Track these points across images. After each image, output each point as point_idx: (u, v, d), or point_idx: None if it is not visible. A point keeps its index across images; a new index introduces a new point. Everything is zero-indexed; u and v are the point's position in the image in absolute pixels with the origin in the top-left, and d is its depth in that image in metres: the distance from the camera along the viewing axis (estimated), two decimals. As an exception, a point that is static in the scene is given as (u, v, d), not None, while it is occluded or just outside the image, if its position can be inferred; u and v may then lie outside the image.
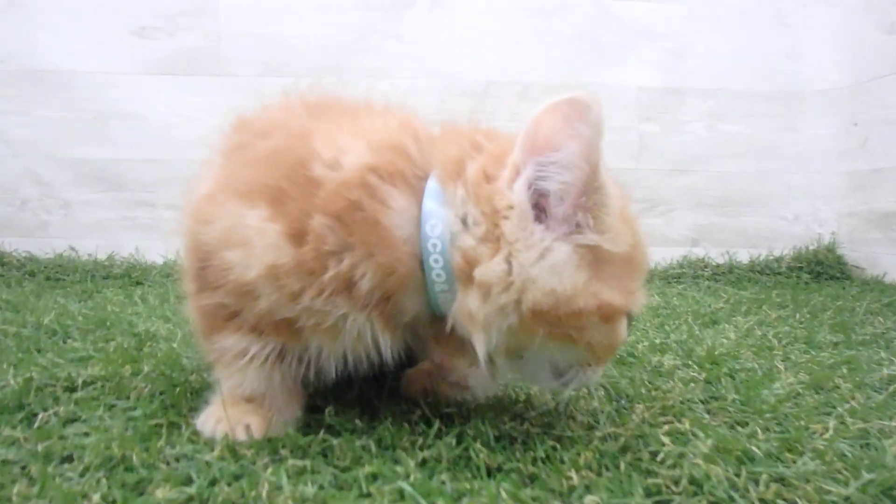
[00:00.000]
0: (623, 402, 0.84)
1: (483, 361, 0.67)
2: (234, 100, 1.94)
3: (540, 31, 2.09)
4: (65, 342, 1.07)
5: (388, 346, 0.68)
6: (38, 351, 0.99)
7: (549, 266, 0.62)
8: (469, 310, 0.63)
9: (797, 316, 1.42)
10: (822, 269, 2.07)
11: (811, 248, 2.16)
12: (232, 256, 0.64)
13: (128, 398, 0.77)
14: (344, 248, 0.63)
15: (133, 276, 1.82)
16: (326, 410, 0.72)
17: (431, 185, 0.65)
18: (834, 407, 0.81)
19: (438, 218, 0.64)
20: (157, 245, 1.98)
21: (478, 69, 2.08)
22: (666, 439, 0.69)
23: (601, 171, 0.62)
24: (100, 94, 1.96)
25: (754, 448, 0.66)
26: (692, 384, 0.91)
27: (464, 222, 0.63)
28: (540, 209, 0.63)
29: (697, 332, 1.25)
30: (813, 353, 1.11)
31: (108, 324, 1.18)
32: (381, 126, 0.71)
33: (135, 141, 1.98)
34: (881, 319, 1.41)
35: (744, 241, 2.20)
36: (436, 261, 0.64)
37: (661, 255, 2.16)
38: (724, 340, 1.17)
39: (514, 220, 0.62)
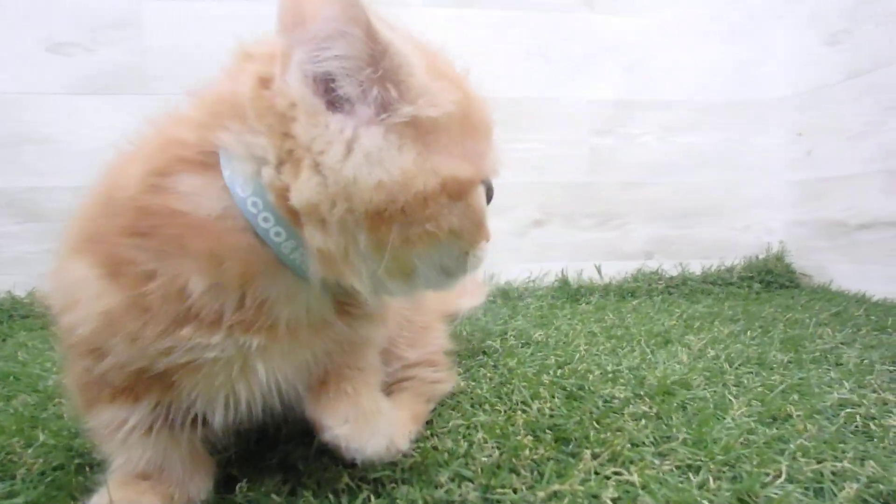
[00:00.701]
0: (571, 446, 0.79)
1: (372, 301, 0.60)
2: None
3: (488, 46, 2.05)
4: (-38, 403, 0.97)
5: (268, 375, 0.59)
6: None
7: (363, 157, 0.52)
8: (317, 249, 0.54)
9: (749, 333, 1.39)
10: (772, 277, 2.08)
11: (761, 257, 2.16)
12: (70, 318, 0.56)
13: (13, 478, 0.68)
14: (154, 260, 0.53)
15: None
16: (238, 487, 0.64)
17: (221, 150, 0.55)
18: (787, 442, 0.77)
19: (239, 173, 0.54)
20: None
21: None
22: (613, 493, 0.64)
23: (380, 31, 0.52)
24: (11, 116, 1.82)
25: (705, 502, 0.61)
26: (643, 420, 0.86)
27: (260, 158, 0.53)
28: (330, 97, 0.53)
29: (650, 356, 1.21)
30: (764, 374, 1.08)
31: (11, 378, 1.08)
32: (154, 134, 0.62)
33: (54, 167, 1.83)
34: (829, 331, 1.39)
35: (697, 253, 2.19)
36: (265, 219, 0.54)
37: (616, 270, 2.13)
38: (677, 366, 1.13)
39: (301, 118, 0.52)
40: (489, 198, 0.62)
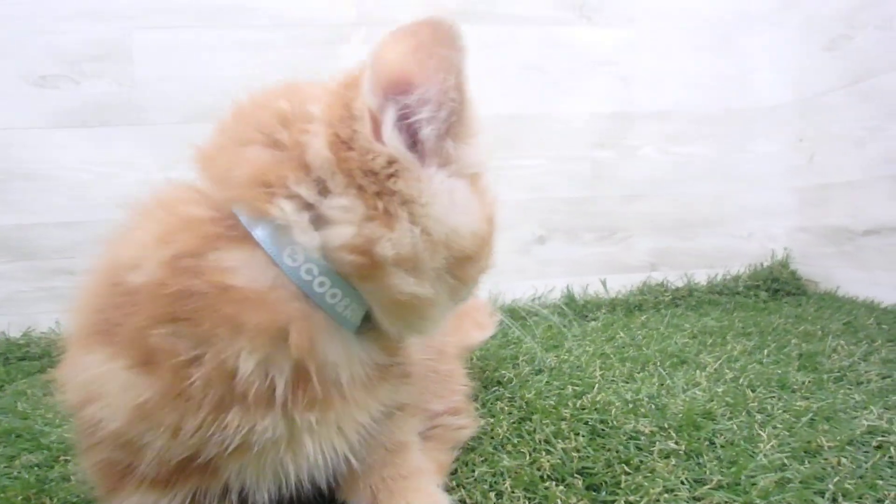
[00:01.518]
0: (603, 493, 0.76)
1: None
2: (155, 151, 1.82)
3: (483, 63, 2.02)
4: (-34, 465, 0.93)
5: (319, 447, 0.57)
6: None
7: (460, 208, 0.56)
8: (407, 292, 0.55)
9: (764, 350, 1.36)
10: (778, 285, 2.06)
11: (765, 264, 2.15)
12: (93, 411, 0.53)
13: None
14: (200, 345, 0.51)
15: (53, 355, 1.65)
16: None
17: (259, 223, 0.54)
18: (823, 481, 0.75)
19: (287, 242, 0.54)
20: None
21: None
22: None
23: (469, 93, 0.56)
24: (-2, 154, 1.77)
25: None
26: (673, 459, 0.84)
27: (320, 222, 0.54)
28: (414, 150, 0.55)
29: (668, 381, 1.19)
30: (786, 398, 1.06)
31: (13, 435, 1.04)
32: (161, 213, 0.61)
33: (44, 203, 1.79)
34: (843, 343, 1.37)
35: (701, 263, 2.17)
36: (321, 284, 0.54)
37: (622, 283, 2.11)
38: (698, 392, 1.10)
39: (403, 174, 0.54)
40: None
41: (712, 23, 2.14)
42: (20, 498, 0.78)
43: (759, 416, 0.98)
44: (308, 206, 0.54)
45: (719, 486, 0.75)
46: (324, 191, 0.54)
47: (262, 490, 0.57)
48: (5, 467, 0.91)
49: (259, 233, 0.54)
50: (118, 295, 0.54)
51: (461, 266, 0.58)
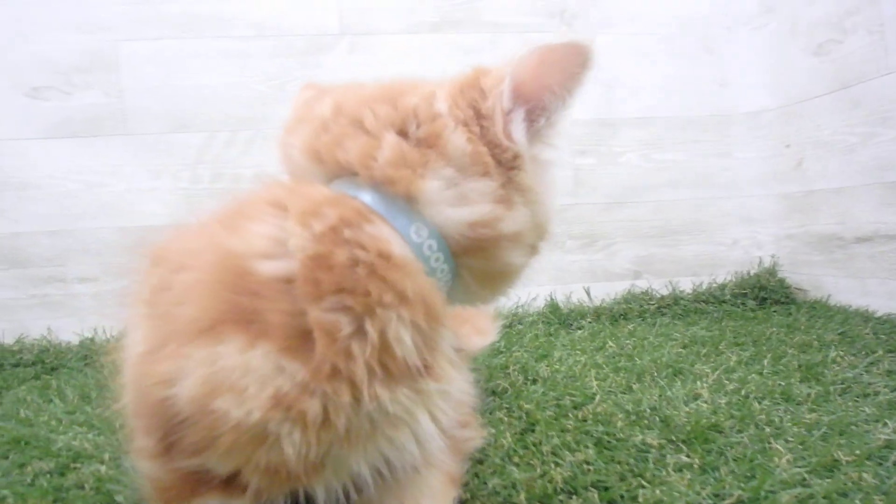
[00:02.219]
0: (624, 511, 0.77)
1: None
2: (142, 159, 1.81)
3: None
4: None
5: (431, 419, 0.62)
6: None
7: (552, 197, 0.70)
8: (511, 262, 0.67)
9: (764, 362, 1.38)
10: (766, 293, 2.07)
11: (752, 272, 2.17)
12: (223, 404, 0.51)
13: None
14: (364, 316, 0.54)
15: (46, 362, 1.62)
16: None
17: (367, 197, 0.60)
18: (846, 496, 0.76)
19: (416, 220, 0.61)
20: (72, 323, 1.79)
21: (407, 112, 1.99)
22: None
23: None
24: (-11, 163, 1.77)
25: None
26: (688, 473, 0.84)
27: (460, 201, 0.62)
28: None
29: (668, 392, 1.20)
30: (794, 410, 1.06)
31: (22, 442, 1.02)
32: (292, 198, 0.61)
33: (34, 212, 1.79)
34: (842, 354, 1.39)
35: (685, 270, 2.19)
36: (437, 259, 0.62)
37: (605, 291, 2.12)
38: (702, 405, 1.11)
39: (526, 167, 0.65)
40: None
41: (694, 28, 2.16)
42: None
43: (768, 430, 0.98)
44: (452, 186, 0.62)
45: (740, 501, 0.76)
46: (463, 176, 0.62)
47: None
48: (17, 475, 0.89)
49: (390, 210, 0.60)
50: (252, 283, 0.54)
51: (542, 240, 0.70)
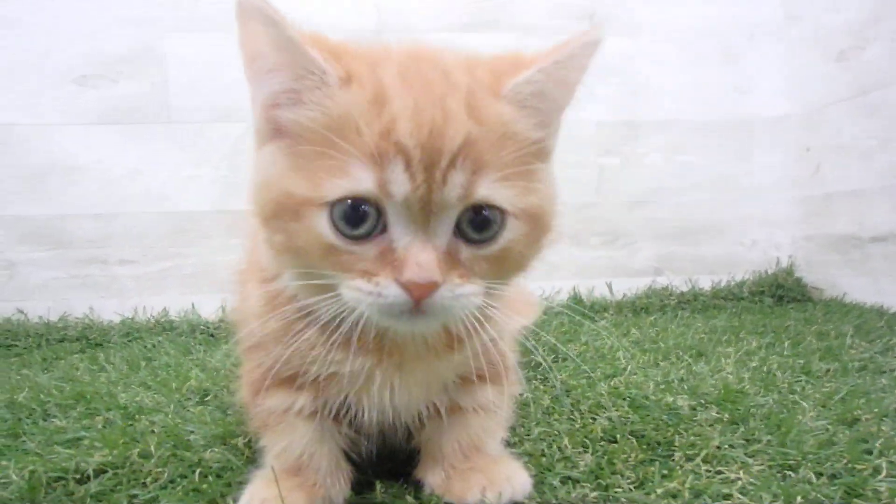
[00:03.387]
0: (660, 450, 0.82)
1: None
2: (183, 148, 1.90)
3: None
4: (45, 420, 0.98)
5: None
6: (23, 434, 0.90)
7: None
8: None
9: (780, 345, 1.43)
10: (783, 292, 2.13)
11: (770, 271, 2.22)
12: None
13: (144, 486, 0.70)
14: None
15: (90, 337, 1.70)
16: (377, 485, 0.67)
17: None
18: (867, 441, 0.81)
19: None
20: (113, 303, 1.87)
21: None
22: (726, 489, 0.68)
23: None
24: (40, 147, 1.85)
25: (822, 497, 0.65)
26: (719, 426, 0.90)
27: None
28: None
29: (694, 368, 1.25)
30: (814, 383, 1.12)
31: (87, 397, 1.08)
32: None
33: (80, 195, 1.87)
34: (857, 340, 1.44)
35: (704, 269, 2.25)
36: None
37: (626, 287, 2.17)
38: (728, 376, 1.17)
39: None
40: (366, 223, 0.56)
41: (717, 34, 2.23)
42: (122, 441, 0.83)
43: (791, 396, 1.04)
44: None
45: (769, 445, 0.82)
46: None
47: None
48: (88, 422, 0.95)
49: None
50: None
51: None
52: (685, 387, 1.11)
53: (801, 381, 1.13)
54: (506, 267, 0.61)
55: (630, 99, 2.18)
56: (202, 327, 1.76)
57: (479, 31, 2.08)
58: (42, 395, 1.09)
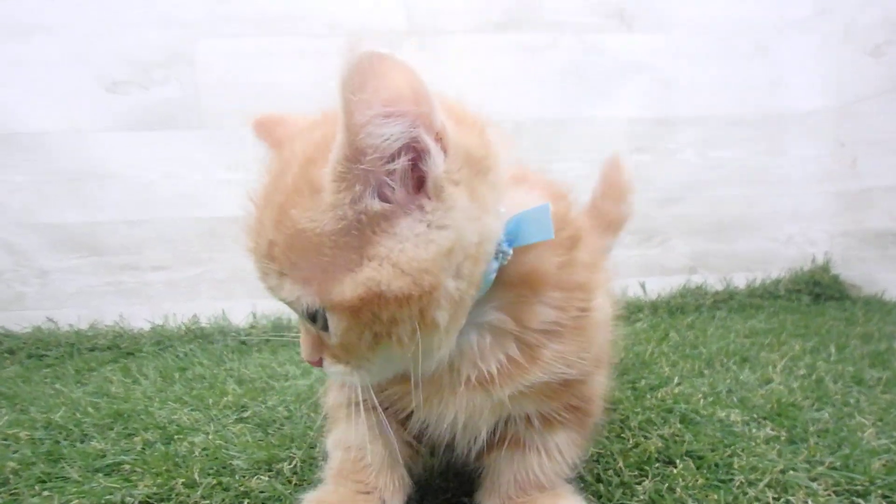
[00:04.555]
0: (720, 473, 0.79)
1: None
2: (216, 152, 1.88)
3: (527, 68, 2.07)
4: (83, 442, 0.96)
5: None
6: (62, 459, 0.88)
7: None
8: None
9: (829, 350, 1.39)
10: (820, 289, 2.08)
11: (805, 268, 2.17)
12: None
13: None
14: None
15: (122, 346, 1.68)
16: None
17: None
18: (937, 463, 0.78)
19: None
20: (143, 310, 1.86)
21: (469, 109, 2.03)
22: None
23: None
24: (72, 153, 1.84)
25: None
26: (776, 444, 0.87)
27: None
28: None
29: (741, 377, 1.22)
30: (867, 393, 1.08)
31: (124, 415, 1.07)
32: None
33: (113, 201, 1.86)
34: (907, 345, 1.40)
35: (739, 266, 2.20)
36: None
37: (660, 286, 2.13)
38: (777, 387, 1.13)
39: None
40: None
41: (749, 29, 2.17)
42: (164, 469, 0.81)
43: (845, 409, 1.00)
44: None
45: (833, 468, 0.78)
46: None
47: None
48: (126, 444, 0.94)
49: None
50: None
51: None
52: (734, 399, 1.08)
53: (852, 391, 1.10)
54: (360, 353, 0.58)
55: (661, 95, 2.14)
56: (233, 334, 1.74)
57: (510, 30, 2.05)
58: (78, 414, 1.08)
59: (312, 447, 0.89)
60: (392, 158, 0.51)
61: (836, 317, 1.79)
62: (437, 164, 0.52)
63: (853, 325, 1.65)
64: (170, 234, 1.88)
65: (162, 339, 1.71)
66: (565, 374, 0.64)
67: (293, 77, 1.90)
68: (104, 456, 0.89)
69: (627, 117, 2.12)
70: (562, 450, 0.71)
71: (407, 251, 0.52)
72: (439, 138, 0.52)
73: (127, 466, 0.84)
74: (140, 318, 1.84)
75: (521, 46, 2.06)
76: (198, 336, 1.74)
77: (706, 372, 1.27)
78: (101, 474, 0.82)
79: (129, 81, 1.85)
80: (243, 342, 1.71)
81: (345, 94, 0.49)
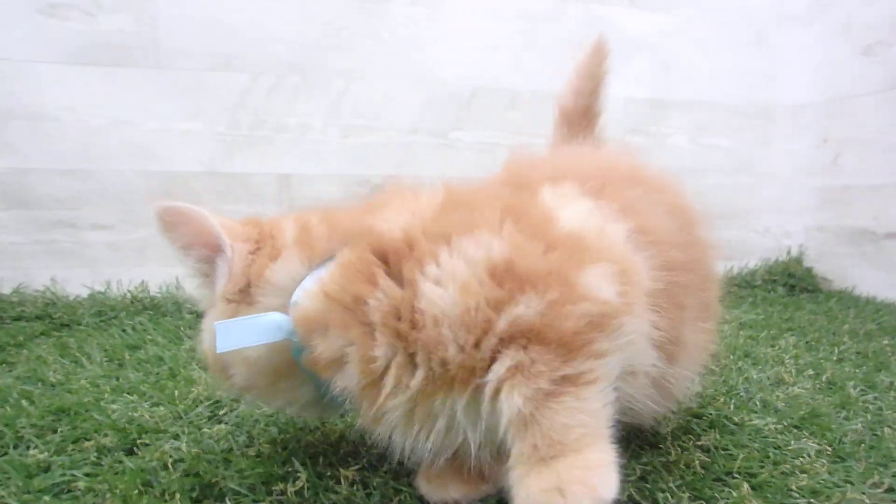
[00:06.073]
0: (778, 496, 0.71)
1: None
2: (175, 98, 1.66)
3: (530, 36, 1.95)
4: (17, 448, 0.78)
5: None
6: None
7: None
8: None
9: (824, 349, 1.35)
10: (794, 281, 2.08)
11: (780, 259, 2.17)
12: None
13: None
14: None
15: (54, 316, 1.46)
16: None
17: None
18: None
19: None
20: (80, 274, 1.63)
21: (463, 74, 1.88)
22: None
23: None
24: (-2, 87, 1.56)
25: None
26: (824, 461, 0.79)
27: None
28: None
29: (752, 376, 1.15)
30: (881, 397, 1.03)
31: (69, 412, 0.89)
32: None
33: (46, 147, 1.60)
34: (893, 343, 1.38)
35: (718, 254, 2.17)
36: None
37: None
38: (795, 390, 1.06)
39: None
40: None
41: (749, 18, 2.14)
42: (123, 488, 0.66)
43: (875, 418, 0.95)
44: None
45: (890, 489, 0.71)
46: None
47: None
48: (77, 453, 0.76)
49: None
50: None
51: None
52: (757, 403, 1.01)
53: (869, 396, 1.05)
54: None
55: (659, 76, 2.07)
56: (189, 306, 1.56)
57: (490, 16, 1.93)
58: (9, 409, 0.89)
59: (316, 458, 0.76)
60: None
61: (814, 310, 1.79)
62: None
63: (834, 321, 1.65)
64: (115, 190, 1.64)
65: (104, 310, 1.51)
66: None
67: (269, 16, 1.71)
68: (48, 469, 0.72)
69: (624, 97, 2.03)
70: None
71: None
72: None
73: (81, 485, 0.67)
74: (76, 282, 1.61)
75: (523, 13, 1.93)
76: (147, 307, 1.55)
77: (716, 370, 1.19)
78: (46, 496, 0.65)
79: (69, 4, 1.58)
80: (200, 315, 1.53)
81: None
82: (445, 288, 0.57)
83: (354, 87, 1.78)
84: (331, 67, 1.76)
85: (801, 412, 0.95)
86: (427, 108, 1.85)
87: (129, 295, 1.60)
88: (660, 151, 2.08)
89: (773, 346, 1.38)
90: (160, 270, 1.66)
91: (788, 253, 2.19)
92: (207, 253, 0.67)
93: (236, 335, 0.62)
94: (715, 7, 2.10)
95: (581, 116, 1.11)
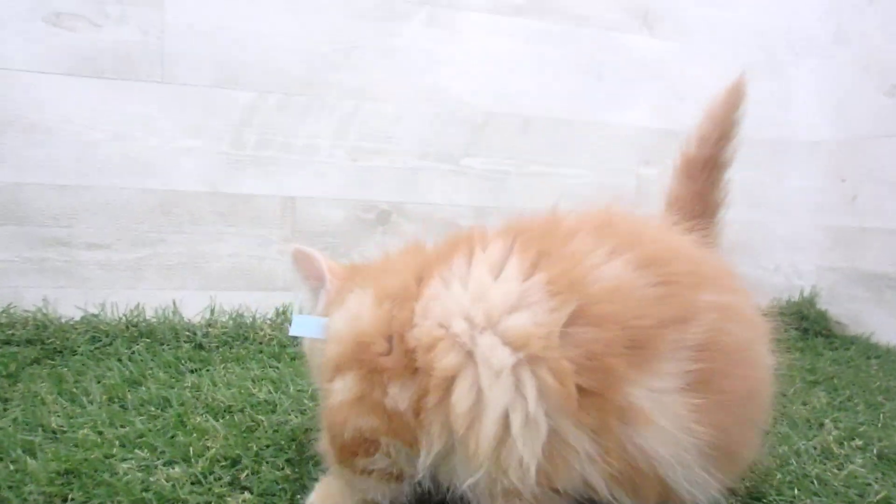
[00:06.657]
0: None
1: None
2: (179, 113, 1.57)
3: (542, 59, 1.88)
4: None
5: None
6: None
7: None
8: None
9: (851, 403, 1.31)
10: (807, 324, 2.03)
11: (792, 299, 2.12)
12: None
13: None
14: None
15: (47, 341, 1.36)
16: None
17: None
18: None
19: None
20: (73, 294, 1.52)
21: (477, 97, 1.80)
22: None
23: None
24: (-6, 96, 1.46)
25: None
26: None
27: None
28: None
29: (795, 445, 1.09)
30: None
31: (81, 475, 0.79)
32: None
33: (42, 160, 1.49)
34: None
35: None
36: None
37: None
38: (849, 465, 1.00)
39: None
40: None
41: (766, 49, 2.09)
42: None
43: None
44: None
45: None
46: None
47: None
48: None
49: None
50: None
51: None
52: (815, 482, 0.94)
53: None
54: None
55: (672, 105, 2.01)
56: (187, 333, 1.46)
57: (530, 16, 1.86)
58: (11, 464, 0.80)
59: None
60: None
61: (835, 359, 1.74)
62: None
63: (860, 373, 1.59)
64: (112, 207, 1.54)
65: (98, 335, 1.41)
66: None
67: (279, 32, 1.63)
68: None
69: (637, 126, 1.98)
70: None
71: None
72: None
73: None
74: (68, 303, 1.51)
75: (538, 35, 1.87)
76: (143, 333, 1.44)
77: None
78: None
79: (76, 14, 1.49)
80: (200, 345, 1.44)
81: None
82: None
83: (364, 107, 1.70)
84: (341, 87, 1.68)
85: (871, 499, 0.89)
86: (439, 132, 1.78)
87: (123, 319, 1.50)
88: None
89: (804, 403, 1.33)
90: (156, 293, 1.57)
91: (801, 293, 2.14)
92: (317, 283, 0.86)
93: (305, 327, 0.82)
94: (732, 38, 2.05)
95: (702, 167, 1.04)
